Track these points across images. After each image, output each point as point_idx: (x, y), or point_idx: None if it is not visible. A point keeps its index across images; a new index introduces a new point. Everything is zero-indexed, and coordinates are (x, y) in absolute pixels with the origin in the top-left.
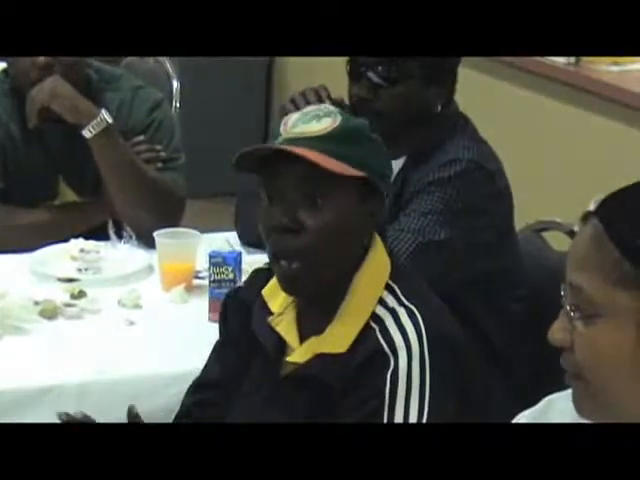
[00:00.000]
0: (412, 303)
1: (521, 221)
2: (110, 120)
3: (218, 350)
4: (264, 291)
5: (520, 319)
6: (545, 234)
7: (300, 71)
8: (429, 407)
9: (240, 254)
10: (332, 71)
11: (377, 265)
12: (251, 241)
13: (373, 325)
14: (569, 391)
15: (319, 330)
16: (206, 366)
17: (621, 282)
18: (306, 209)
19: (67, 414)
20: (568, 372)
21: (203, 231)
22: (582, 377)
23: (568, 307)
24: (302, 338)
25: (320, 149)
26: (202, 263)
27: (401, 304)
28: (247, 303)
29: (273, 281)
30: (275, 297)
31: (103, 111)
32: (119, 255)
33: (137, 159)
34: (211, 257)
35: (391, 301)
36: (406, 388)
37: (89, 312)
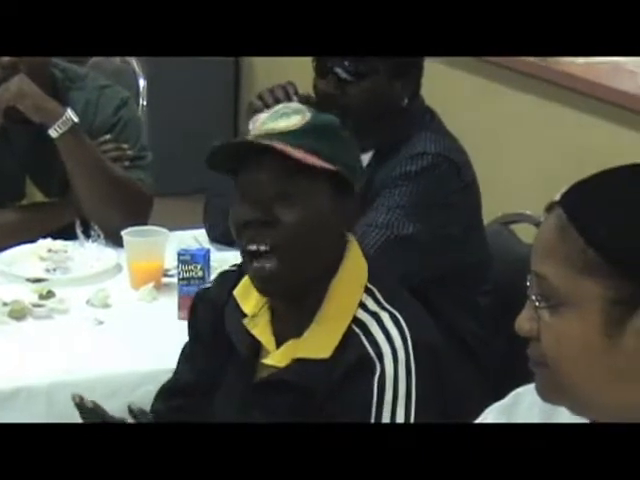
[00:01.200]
0: (393, 307)
1: (490, 214)
2: (76, 119)
3: (188, 353)
4: (236, 292)
5: (489, 312)
6: (514, 226)
7: (268, 68)
8: (415, 412)
9: (208, 251)
10: (300, 68)
11: (355, 266)
12: (219, 238)
13: (356, 330)
14: None
15: (297, 333)
16: (177, 371)
17: (585, 270)
18: (280, 204)
19: (81, 397)
20: (532, 360)
21: (171, 229)
22: (547, 365)
23: (534, 297)
24: (278, 341)
25: (291, 143)
26: (171, 261)
27: (383, 308)
28: (218, 304)
29: (245, 281)
30: (248, 298)
31: (69, 110)
32: (87, 254)
33: (104, 158)
34: (180, 255)
35: (372, 305)
36: (393, 394)
37: (58, 312)
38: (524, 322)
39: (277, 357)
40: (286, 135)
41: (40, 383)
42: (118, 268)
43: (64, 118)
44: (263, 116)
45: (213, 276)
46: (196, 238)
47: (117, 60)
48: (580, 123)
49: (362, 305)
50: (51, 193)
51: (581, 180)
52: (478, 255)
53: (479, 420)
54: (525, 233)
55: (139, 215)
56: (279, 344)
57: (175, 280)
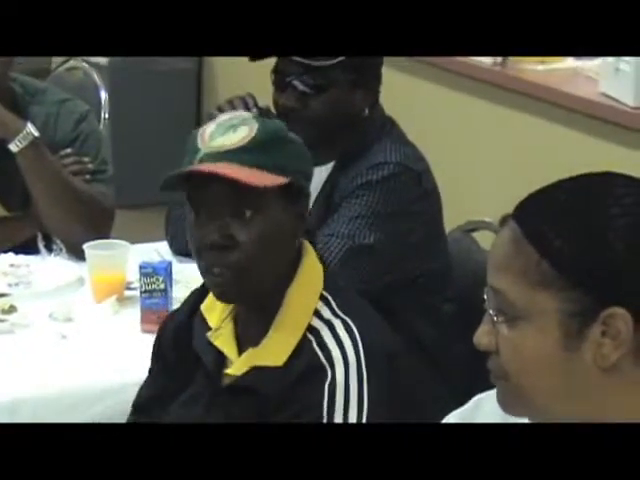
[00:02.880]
0: (347, 314)
1: (450, 222)
2: (36, 133)
3: (151, 370)
4: (203, 306)
5: (451, 319)
6: (475, 234)
7: (229, 78)
8: (367, 418)
9: (170, 264)
10: (261, 79)
11: (311, 274)
12: (182, 250)
13: (309, 337)
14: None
15: (256, 342)
16: (140, 391)
17: (541, 284)
18: (235, 223)
19: None
20: (493, 373)
21: (133, 242)
22: (507, 378)
23: (491, 311)
24: (241, 351)
25: (241, 162)
26: (133, 274)
27: (336, 316)
28: (184, 323)
29: (211, 295)
30: (213, 312)
31: (29, 125)
32: (49, 268)
33: (65, 172)
34: (141, 268)
35: (326, 313)
36: (344, 400)
37: (20, 327)
38: (482, 336)
39: (237, 366)
40: (235, 153)
41: (3, 399)
42: (80, 282)
43: (24, 132)
44: (210, 128)
45: (176, 289)
46: (157, 251)
47: (78, 74)
48: (540, 130)
49: (317, 313)
50: (12, 207)
51: (533, 192)
52: (439, 262)
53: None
54: (486, 240)
55: (101, 228)
56: (241, 354)
57: (137, 293)
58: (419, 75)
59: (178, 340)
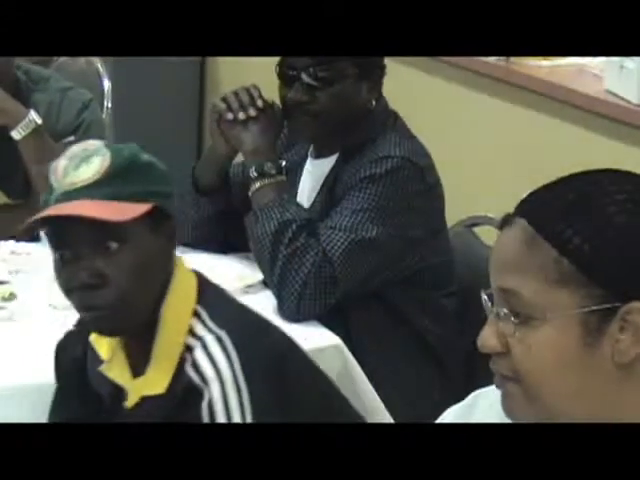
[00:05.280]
0: (222, 327)
1: (452, 216)
2: (39, 121)
3: (55, 401)
4: (91, 338)
5: (452, 315)
6: (476, 229)
7: (233, 70)
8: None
9: None
10: (265, 71)
11: (182, 291)
12: (182, 241)
13: (186, 356)
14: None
15: (144, 370)
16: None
17: (560, 281)
18: (102, 258)
19: None
20: (499, 375)
21: None
22: (518, 380)
23: (502, 313)
24: (134, 378)
25: (98, 196)
26: None
27: (209, 330)
28: (77, 352)
29: None
30: (102, 343)
31: (32, 112)
32: (50, 256)
33: None
34: None
35: (199, 329)
36: (226, 417)
37: (20, 314)
38: (489, 338)
39: (130, 398)
40: (89, 188)
41: (2, 386)
42: None
43: (27, 120)
44: (62, 164)
45: None
46: None
47: (81, 62)
48: (544, 126)
49: (191, 330)
50: (14, 195)
51: (540, 189)
52: (441, 257)
53: (438, 420)
54: (488, 235)
55: None
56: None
57: None
58: (422, 69)
59: (78, 373)
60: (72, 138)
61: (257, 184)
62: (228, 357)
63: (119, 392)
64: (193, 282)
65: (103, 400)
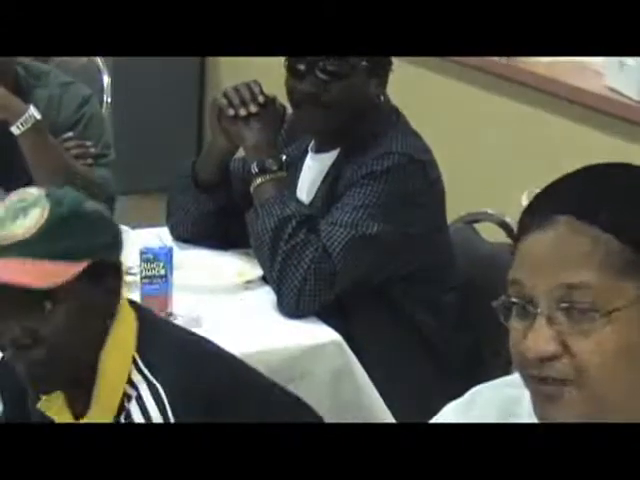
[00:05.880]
0: (156, 375)
1: (453, 213)
2: (39, 116)
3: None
4: None
5: (453, 311)
6: (476, 225)
7: (233, 65)
8: None
9: (171, 249)
10: (265, 67)
11: (121, 339)
12: (183, 236)
13: (125, 406)
14: (495, 382)
15: (82, 413)
16: None
17: (625, 272)
18: (35, 318)
19: None
20: (553, 380)
21: (134, 227)
22: (581, 380)
23: (560, 312)
24: (76, 418)
25: (30, 254)
26: (133, 259)
27: (144, 377)
28: (18, 382)
29: None
30: None
31: (31, 107)
32: None
33: (66, 156)
34: (142, 253)
35: (136, 376)
36: None
37: None
38: (547, 343)
39: None
40: (23, 245)
41: None
42: None
43: (27, 115)
44: None
45: (176, 275)
46: (159, 236)
47: (82, 57)
48: (544, 123)
49: (129, 379)
50: (13, 190)
51: (565, 183)
52: (442, 254)
53: (437, 417)
54: (487, 232)
55: None
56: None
57: (137, 279)
58: (420, 65)
59: (16, 400)
60: (71, 134)
61: (258, 180)
62: (162, 410)
63: None
64: (133, 326)
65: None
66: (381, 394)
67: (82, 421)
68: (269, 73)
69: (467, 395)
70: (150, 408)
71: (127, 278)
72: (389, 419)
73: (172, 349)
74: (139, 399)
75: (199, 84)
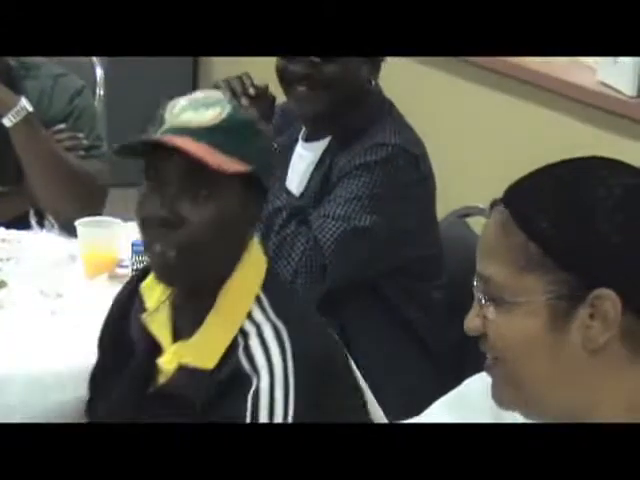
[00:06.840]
0: (280, 318)
1: (446, 207)
2: (30, 108)
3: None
4: (142, 285)
5: (442, 305)
6: (468, 220)
7: (226, 60)
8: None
9: None
10: (257, 63)
11: (251, 271)
12: None
13: (239, 340)
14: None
15: (190, 332)
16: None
17: (528, 266)
18: (188, 203)
19: None
20: (487, 359)
21: (126, 219)
22: (497, 363)
23: (480, 295)
24: (175, 339)
25: (206, 141)
26: (125, 252)
27: (268, 319)
28: (123, 298)
29: (152, 274)
30: (152, 292)
31: (23, 99)
32: (41, 244)
33: (58, 148)
34: (134, 245)
35: (258, 315)
36: (269, 410)
37: (10, 302)
38: (472, 320)
39: (166, 358)
40: (202, 131)
41: None
42: (72, 258)
43: (18, 107)
44: (181, 103)
45: None
46: None
47: None
48: (537, 117)
49: (250, 315)
50: (5, 182)
51: (523, 176)
52: (432, 248)
53: (429, 411)
54: (480, 226)
55: (93, 205)
56: (175, 343)
57: (129, 271)
58: (414, 59)
59: (114, 322)
60: (63, 125)
61: None
62: (282, 349)
63: (156, 349)
64: (263, 266)
65: (136, 356)
66: (371, 388)
67: (183, 344)
68: (261, 68)
69: (460, 388)
70: (271, 345)
71: (119, 271)
72: (378, 413)
73: (294, 300)
74: (260, 336)
75: (192, 76)
